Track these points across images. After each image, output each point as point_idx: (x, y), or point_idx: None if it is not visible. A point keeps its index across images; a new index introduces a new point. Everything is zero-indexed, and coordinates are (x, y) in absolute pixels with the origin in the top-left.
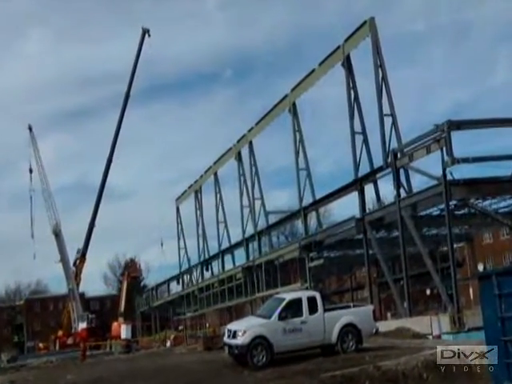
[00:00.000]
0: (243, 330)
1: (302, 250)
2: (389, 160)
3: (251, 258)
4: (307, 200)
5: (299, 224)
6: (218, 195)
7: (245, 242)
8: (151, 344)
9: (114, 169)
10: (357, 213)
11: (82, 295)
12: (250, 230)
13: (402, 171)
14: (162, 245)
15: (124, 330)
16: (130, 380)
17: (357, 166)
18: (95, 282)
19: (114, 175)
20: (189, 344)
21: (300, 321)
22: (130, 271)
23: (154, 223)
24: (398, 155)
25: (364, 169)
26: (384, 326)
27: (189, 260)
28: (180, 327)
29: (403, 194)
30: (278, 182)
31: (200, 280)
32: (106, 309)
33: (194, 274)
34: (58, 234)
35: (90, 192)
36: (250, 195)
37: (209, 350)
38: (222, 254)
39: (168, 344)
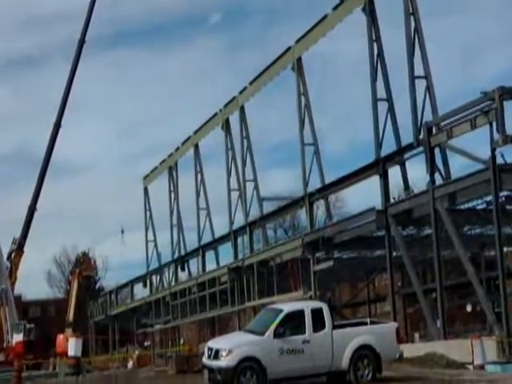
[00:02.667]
0: (228, 348)
1: (305, 248)
2: (421, 136)
3: (240, 256)
4: (314, 185)
5: (303, 215)
6: (199, 174)
7: (232, 235)
8: (108, 364)
9: (63, 136)
10: (378, 203)
11: (18, 298)
12: (239, 221)
13: (437, 151)
14: (122, 233)
15: (72, 346)
16: None
17: (379, 143)
18: (36, 282)
19: (64, 145)
20: (157, 365)
21: (301, 340)
22: (82, 269)
23: (115, 208)
24: (433, 130)
25: (388, 147)
26: (410, 349)
27: (159, 257)
28: (146, 343)
29: (439, 180)
30: (277, 160)
31: (173, 283)
32: (49, 317)
33: (166, 274)
34: None
35: (31, 164)
36: (240, 176)
37: (183, 373)
38: (202, 250)
39: (130, 365)
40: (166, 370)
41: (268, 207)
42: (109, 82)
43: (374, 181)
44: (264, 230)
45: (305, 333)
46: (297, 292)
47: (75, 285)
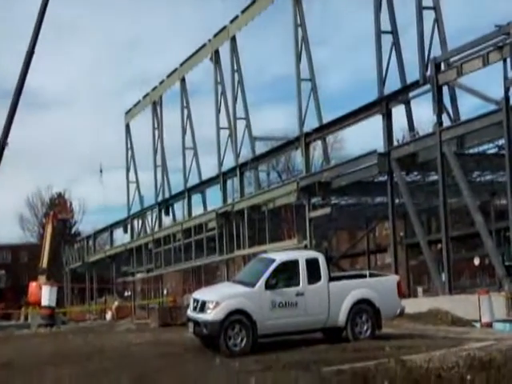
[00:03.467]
0: (215, 300)
1: (300, 193)
2: (428, 73)
3: (230, 200)
4: (310, 124)
5: (298, 157)
6: (186, 110)
7: (221, 177)
8: (85, 316)
9: (37, 65)
10: (380, 146)
11: None
12: (228, 162)
13: (445, 90)
14: (101, 172)
15: (46, 294)
16: (51, 368)
17: (382, 80)
18: (7, 224)
19: (38, 75)
20: (138, 317)
21: (295, 292)
22: (57, 211)
23: (93, 146)
24: (442, 66)
25: (392, 84)
26: (412, 305)
27: (141, 200)
28: (126, 293)
29: (446, 122)
30: (271, 96)
31: (157, 228)
32: (21, 263)
33: (149, 219)
34: None
35: (1, 96)
36: (231, 113)
37: (166, 326)
38: (188, 193)
39: (108, 316)
40: (148, 323)
41: (260, 148)
42: (89, 7)
43: (377, 121)
44: (256, 172)
45: (299, 285)
46: (291, 240)
47: (49, 229)
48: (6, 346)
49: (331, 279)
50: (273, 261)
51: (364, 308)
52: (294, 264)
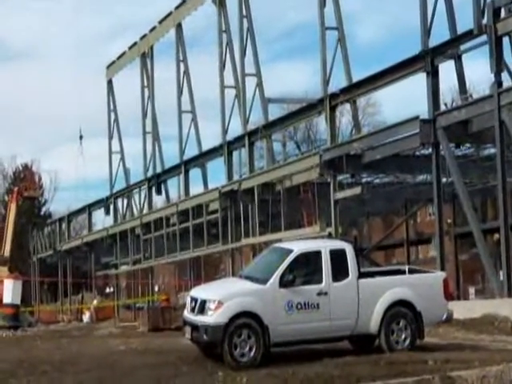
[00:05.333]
0: (218, 299)
1: (324, 168)
2: (484, 21)
3: (236, 177)
4: (337, 83)
5: (321, 124)
6: (183, 65)
7: (226, 148)
8: (57, 316)
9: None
10: (423, 111)
11: None
12: (235, 129)
13: (506, 42)
14: (80, 139)
15: (9, 290)
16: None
17: (427, 30)
18: None
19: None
20: (122, 319)
21: (317, 290)
22: (23, 188)
23: (68, 107)
24: (502, 12)
25: (438, 35)
26: (462, 309)
27: (127, 174)
28: (108, 290)
29: (507, 81)
30: (288, 49)
31: (146, 210)
32: None
33: (136, 198)
34: None
35: None
36: (239, 68)
37: (157, 331)
38: (185, 166)
39: (86, 318)
40: (135, 326)
41: (275, 112)
42: None
43: (419, 80)
44: (269, 142)
45: (321, 282)
46: (311, 227)
47: (13, 209)
48: None
49: (361, 275)
50: (289, 252)
51: (402, 312)
52: (315, 256)
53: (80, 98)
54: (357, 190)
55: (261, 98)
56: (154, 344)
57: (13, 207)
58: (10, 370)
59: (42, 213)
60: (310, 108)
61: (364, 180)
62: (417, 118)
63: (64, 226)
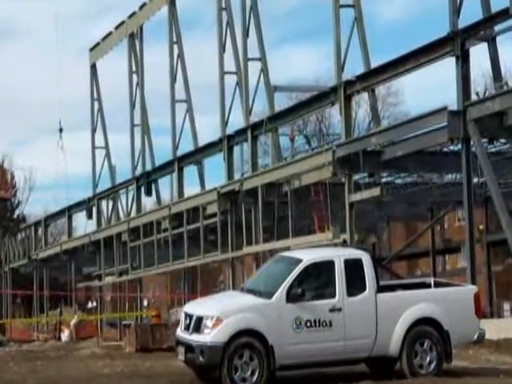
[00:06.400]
0: (216, 316)
1: (338, 166)
2: None
3: (237, 176)
4: (353, 70)
5: (335, 115)
6: (176, 47)
7: (226, 143)
8: (31, 334)
9: None
10: (452, 101)
11: None
12: (236, 121)
13: None
14: (60, 132)
15: None
16: None
17: (456, 8)
18: None
19: None
20: (106, 338)
21: (329, 306)
22: None
23: (46, 95)
24: None
25: (470, 14)
26: (496, 328)
27: (112, 172)
28: (90, 304)
29: None
30: (296, 30)
31: (134, 213)
32: None
33: (123, 200)
34: None
35: None
36: (241, 52)
37: (146, 351)
38: (178, 164)
39: (65, 336)
40: (121, 346)
41: (281, 102)
42: None
43: (447, 66)
44: (275, 136)
45: (334, 296)
46: (323, 234)
47: None
48: None
49: (380, 289)
50: (298, 262)
51: (426, 331)
52: (327, 267)
53: (59, 86)
54: (375, 192)
55: (266, 86)
56: (142, 367)
57: None
58: None
59: (15, 216)
60: (321, 97)
61: (384, 180)
62: (444, 108)
63: (40, 231)
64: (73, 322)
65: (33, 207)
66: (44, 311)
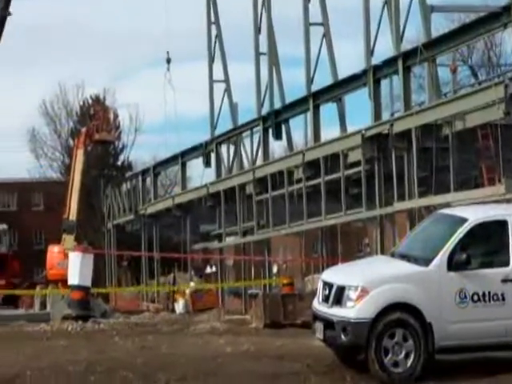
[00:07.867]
0: (361, 286)
1: (511, 103)
2: None
3: (385, 116)
4: None
5: (507, 41)
6: None
7: (371, 75)
8: (140, 304)
9: None
10: None
11: None
12: (384, 49)
13: None
14: (168, 63)
15: (76, 267)
16: None
17: None
18: (12, 147)
19: None
20: (229, 311)
21: (502, 276)
22: (94, 128)
23: (150, 20)
24: None
25: None
26: None
27: (234, 112)
28: (209, 269)
29: None
30: None
31: (260, 161)
32: (33, 212)
33: (247, 144)
34: None
35: None
36: None
37: (277, 327)
38: (313, 100)
39: (180, 307)
40: (246, 321)
41: (440, 25)
42: None
43: None
44: (432, 68)
45: (508, 264)
46: (493, 187)
47: (80, 157)
48: (7, 352)
49: None
50: (462, 221)
51: None
52: (499, 228)
53: (166, 8)
54: None
55: (420, 5)
56: (271, 345)
57: (80, 155)
58: (78, 375)
59: (119, 163)
60: (490, 19)
61: None
62: None
63: (149, 181)
64: (189, 290)
65: (140, 152)
66: (154, 277)
